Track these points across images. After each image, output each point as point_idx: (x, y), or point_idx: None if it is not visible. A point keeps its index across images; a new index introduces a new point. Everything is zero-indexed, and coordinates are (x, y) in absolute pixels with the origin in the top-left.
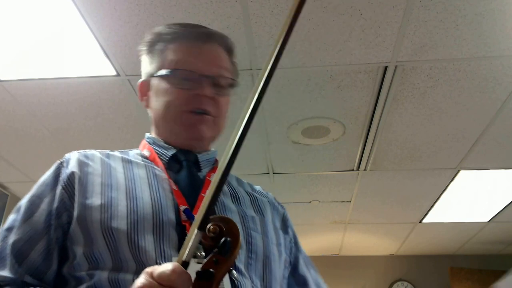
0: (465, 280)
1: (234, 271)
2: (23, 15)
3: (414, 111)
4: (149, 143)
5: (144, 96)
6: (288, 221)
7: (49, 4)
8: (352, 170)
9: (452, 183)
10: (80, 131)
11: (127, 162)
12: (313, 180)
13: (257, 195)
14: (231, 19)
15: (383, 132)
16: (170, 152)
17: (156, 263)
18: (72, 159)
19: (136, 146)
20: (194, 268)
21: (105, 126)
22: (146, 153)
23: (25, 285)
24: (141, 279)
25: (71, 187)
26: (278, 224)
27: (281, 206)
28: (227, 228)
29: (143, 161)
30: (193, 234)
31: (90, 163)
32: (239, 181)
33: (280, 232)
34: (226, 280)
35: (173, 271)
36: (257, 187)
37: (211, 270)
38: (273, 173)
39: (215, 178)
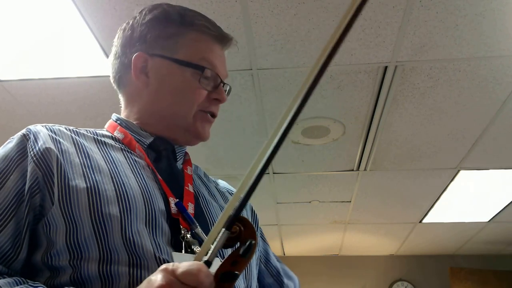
0: (465, 280)
1: None
2: (23, 15)
3: (414, 111)
4: (121, 125)
5: (142, 73)
6: (256, 215)
7: (49, 4)
8: (352, 170)
9: (452, 183)
10: None
11: (101, 143)
12: (313, 180)
13: (225, 192)
14: (231, 19)
15: (383, 132)
16: (149, 139)
17: (155, 258)
18: (41, 132)
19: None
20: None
21: None
22: (118, 135)
23: None
24: (161, 277)
25: (46, 165)
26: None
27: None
28: (247, 229)
29: (116, 143)
30: (219, 233)
31: (60, 140)
32: (206, 175)
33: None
34: None
35: (200, 271)
36: (221, 182)
37: (236, 272)
38: (273, 173)
39: (249, 175)
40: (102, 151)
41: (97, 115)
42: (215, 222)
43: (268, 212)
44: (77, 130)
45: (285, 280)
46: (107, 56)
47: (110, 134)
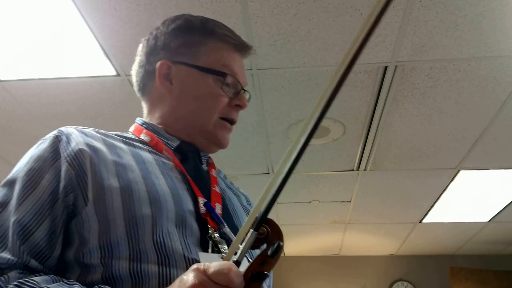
0: (465, 280)
1: None
2: (23, 15)
3: (414, 111)
4: (147, 128)
5: (166, 80)
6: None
7: (49, 4)
8: (352, 170)
9: (452, 183)
10: None
11: (130, 144)
12: (313, 180)
13: (247, 195)
14: (231, 19)
15: (383, 132)
16: (175, 142)
17: (184, 258)
18: (72, 134)
19: None
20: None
21: (105, 126)
22: (145, 138)
23: (27, 270)
24: (193, 276)
25: (79, 166)
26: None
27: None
28: (274, 231)
29: (144, 146)
30: (247, 234)
31: (92, 140)
32: (227, 179)
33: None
34: None
35: (231, 270)
36: (234, 184)
37: (265, 272)
38: (273, 173)
39: (275, 177)
40: (132, 151)
41: (97, 115)
42: (241, 222)
43: None
44: (105, 132)
45: None
46: (107, 56)
47: (136, 137)
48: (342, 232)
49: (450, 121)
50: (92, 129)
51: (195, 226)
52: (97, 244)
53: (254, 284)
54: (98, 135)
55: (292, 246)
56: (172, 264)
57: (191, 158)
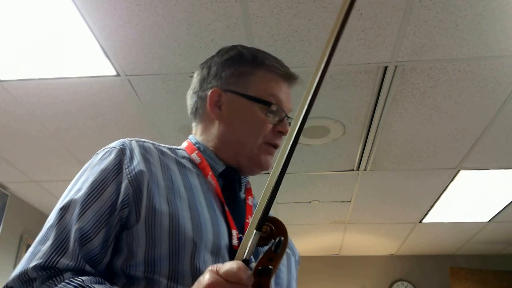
0: (465, 280)
1: None
2: (23, 15)
3: (414, 111)
4: (199, 149)
5: (216, 106)
6: (298, 263)
7: (49, 4)
8: (352, 170)
9: (452, 183)
10: (80, 131)
11: (181, 166)
12: (313, 180)
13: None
14: (231, 19)
15: (383, 132)
16: (221, 167)
17: None
18: (135, 150)
19: None
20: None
21: (105, 126)
22: (195, 158)
23: (82, 273)
24: (208, 277)
25: (137, 185)
26: (295, 261)
27: (296, 250)
28: (277, 227)
29: (193, 167)
30: (252, 234)
31: (151, 159)
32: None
33: (296, 270)
34: None
35: (240, 269)
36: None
37: (270, 267)
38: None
39: (269, 182)
40: (182, 174)
41: (97, 115)
42: None
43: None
44: (161, 148)
45: None
46: (107, 56)
47: (188, 156)
48: (342, 232)
49: (450, 121)
50: (151, 143)
51: (227, 257)
52: (143, 259)
53: (263, 278)
54: (156, 152)
55: None
56: None
57: (232, 185)
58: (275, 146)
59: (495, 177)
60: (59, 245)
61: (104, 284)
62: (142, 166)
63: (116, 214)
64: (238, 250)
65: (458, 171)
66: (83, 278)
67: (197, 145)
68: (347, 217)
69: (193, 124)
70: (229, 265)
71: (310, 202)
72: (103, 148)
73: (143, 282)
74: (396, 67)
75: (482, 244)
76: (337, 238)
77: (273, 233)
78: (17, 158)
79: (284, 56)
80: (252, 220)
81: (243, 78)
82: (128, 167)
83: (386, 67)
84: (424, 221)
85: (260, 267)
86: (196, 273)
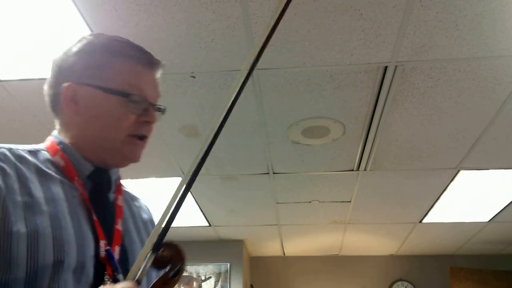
0: (465, 280)
1: None
2: (23, 15)
3: (414, 111)
4: (63, 150)
5: (72, 102)
6: (152, 217)
7: (49, 4)
8: (352, 170)
9: (452, 183)
10: None
11: (42, 174)
12: (313, 180)
13: (146, 222)
14: (231, 19)
15: (383, 132)
16: (88, 170)
17: None
18: None
19: None
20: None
21: None
22: (59, 161)
23: None
24: None
25: None
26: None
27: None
28: (177, 254)
29: (56, 173)
30: (147, 255)
31: (7, 169)
32: (133, 198)
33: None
34: None
35: None
36: (144, 207)
37: None
38: (273, 173)
39: (169, 204)
40: (43, 185)
41: None
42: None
43: (268, 212)
44: (20, 153)
45: None
46: None
47: (51, 159)
48: (342, 232)
49: (450, 121)
50: (6, 147)
51: (91, 273)
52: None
53: None
54: (12, 159)
55: (292, 246)
56: None
57: (100, 189)
58: (142, 137)
59: (495, 177)
60: None
61: None
62: None
63: None
64: (131, 269)
65: (458, 171)
66: None
67: (60, 145)
68: (347, 217)
69: (55, 121)
70: (120, 285)
71: (310, 202)
72: None
73: None
74: (396, 67)
75: (482, 244)
76: (337, 238)
77: (172, 259)
78: None
79: (284, 56)
80: (149, 239)
81: (99, 69)
82: None
83: (386, 67)
84: (424, 221)
85: None
86: None
